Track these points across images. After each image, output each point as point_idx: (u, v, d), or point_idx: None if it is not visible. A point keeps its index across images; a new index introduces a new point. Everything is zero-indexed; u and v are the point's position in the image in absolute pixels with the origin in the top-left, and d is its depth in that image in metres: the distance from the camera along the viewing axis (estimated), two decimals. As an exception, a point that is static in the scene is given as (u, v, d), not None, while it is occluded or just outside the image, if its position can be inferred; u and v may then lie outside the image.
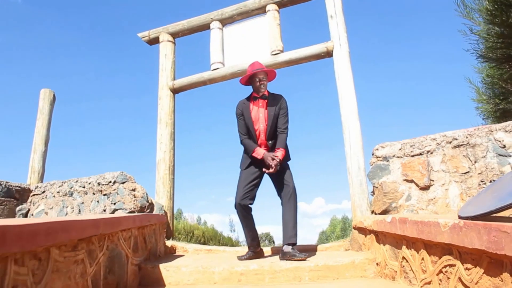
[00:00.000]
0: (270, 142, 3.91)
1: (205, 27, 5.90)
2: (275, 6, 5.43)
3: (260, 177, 3.87)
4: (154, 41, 6.23)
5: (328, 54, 4.99)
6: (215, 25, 5.78)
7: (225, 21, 5.78)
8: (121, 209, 5.11)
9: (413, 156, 3.76)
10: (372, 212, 3.93)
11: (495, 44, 6.62)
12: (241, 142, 3.97)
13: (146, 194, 5.21)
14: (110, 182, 5.27)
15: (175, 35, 6.11)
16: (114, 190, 5.23)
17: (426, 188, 3.62)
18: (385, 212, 3.70)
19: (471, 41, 6.75)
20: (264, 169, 3.75)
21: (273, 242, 34.55)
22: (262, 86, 3.92)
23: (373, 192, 3.92)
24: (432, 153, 3.70)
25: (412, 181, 3.68)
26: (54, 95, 6.54)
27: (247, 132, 3.94)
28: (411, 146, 3.80)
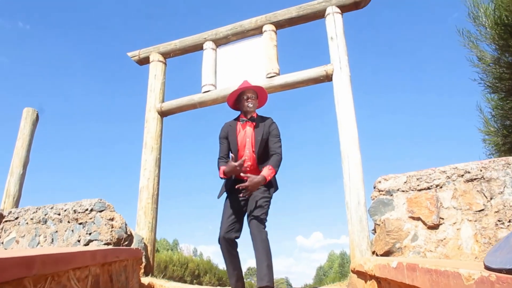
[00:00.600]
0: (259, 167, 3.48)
1: (198, 47, 5.57)
2: (272, 27, 5.11)
3: (246, 205, 3.43)
4: (145, 61, 5.89)
5: (328, 78, 4.63)
6: (208, 45, 5.45)
7: (219, 42, 5.45)
8: (97, 240, 4.65)
9: (420, 190, 3.33)
10: (373, 253, 3.47)
11: (503, 74, 6.28)
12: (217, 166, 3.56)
13: (125, 224, 4.76)
14: (86, 210, 4.82)
15: (166, 55, 5.78)
16: (91, 219, 4.78)
17: (434, 227, 3.18)
18: (388, 253, 3.25)
19: (479, 70, 6.42)
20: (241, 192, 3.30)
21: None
22: (250, 105, 3.53)
23: (374, 230, 3.48)
24: (441, 187, 3.28)
25: (419, 218, 3.24)
26: (37, 115, 6.17)
27: (226, 156, 3.55)
28: (417, 179, 3.38)
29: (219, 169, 3.47)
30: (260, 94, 3.68)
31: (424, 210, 3.24)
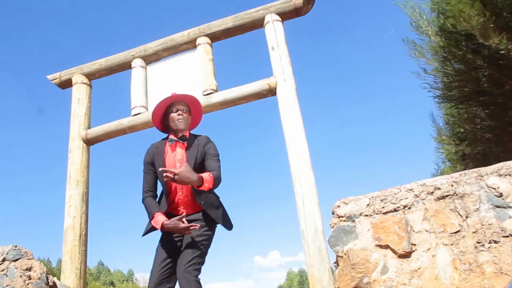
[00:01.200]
0: (196, 200, 2.85)
1: (126, 66, 4.97)
2: (206, 39, 4.61)
3: (181, 247, 2.80)
4: (67, 83, 5.21)
5: (271, 92, 4.16)
6: (137, 63, 4.86)
7: (149, 58, 4.88)
8: (10, 296, 3.89)
9: (385, 213, 2.88)
10: (338, 290, 2.96)
11: (452, 83, 6.09)
12: (143, 202, 2.93)
13: (46, 274, 4.01)
14: (-2, 260, 4.05)
15: (91, 76, 5.13)
16: (3, 270, 3.99)
17: (406, 255, 2.72)
18: (355, 290, 2.76)
19: (428, 81, 6.22)
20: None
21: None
22: (180, 120, 2.93)
23: (336, 262, 2.98)
24: (410, 208, 2.84)
25: (387, 246, 2.78)
26: None
27: (154, 188, 2.95)
28: (381, 200, 2.93)
29: (148, 212, 2.83)
30: (193, 107, 3.10)
31: (392, 236, 2.78)
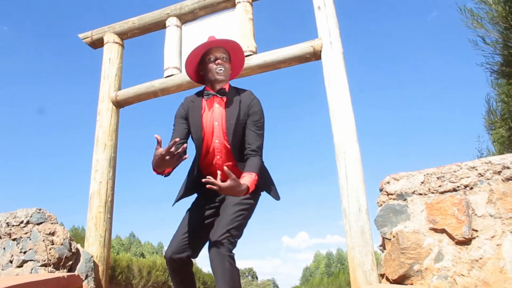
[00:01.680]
0: (239, 167, 2.46)
1: (160, 25, 4.67)
2: (247, -3, 4.24)
3: (214, 215, 2.45)
4: (98, 43, 4.97)
5: (316, 55, 3.78)
6: (172, 21, 4.55)
7: (185, 17, 4.56)
8: (32, 260, 3.73)
9: (443, 193, 2.51)
10: (382, 276, 2.63)
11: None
12: None
13: (69, 240, 3.85)
14: (22, 222, 3.89)
15: (123, 35, 4.87)
16: (26, 233, 3.84)
17: (466, 242, 2.36)
18: (403, 278, 2.43)
19: (485, 53, 5.67)
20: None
21: (256, 278, 32.89)
22: (220, 70, 2.50)
23: (383, 246, 2.64)
24: (472, 188, 2.46)
25: (443, 231, 2.42)
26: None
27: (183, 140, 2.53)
28: (438, 178, 2.55)
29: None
30: (234, 55, 2.65)
31: (450, 219, 2.42)
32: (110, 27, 4.90)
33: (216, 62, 2.51)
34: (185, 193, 2.56)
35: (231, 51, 2.62)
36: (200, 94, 2.61)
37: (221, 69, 2.50)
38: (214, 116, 2.49)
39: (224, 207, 2.38)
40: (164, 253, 2.44)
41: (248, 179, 2.23)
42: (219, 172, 2.12)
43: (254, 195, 2.39)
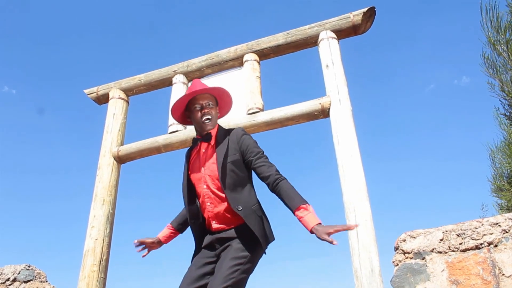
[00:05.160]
0: (232, 206, 2.26)
1: (167, 82, 4.68)
2: (254, 56, 4.27)
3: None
4: (103, 98, 4.95)
5: (324, 113, 3.74)
6: (178, 79, 4.56)
7: (192, 75, 4.57)
8: (17, 322, 3.46)
9: (464, 251, 2.35)
10: None
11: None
12: None
13: (59, 300, 3.60)
14: (8, 279, 3.65)
15: (129, 91, 4.86)
16: (12, 292, 3.60)
17: (494, 306, 2.17)
18: None
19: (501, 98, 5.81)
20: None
21: None
22: (207, 120, 2.42)
23: (401, 310, 2.43)
24: (496, 245, 2.30)
25: (468, 294, 2.23)
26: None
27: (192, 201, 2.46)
28: (458, 235, 2.40)
29: None
30: (220, 99, 2.58)
31: (475, 279, 2.24)
32: (116, 83, 4.90)
33: (203, 111, 2.44)
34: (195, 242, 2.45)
35: (217, 96, 2.56)
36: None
37: (207, 119, 2.43)
38: (201, 161, 2.42)
39: (220, 260, 2.23)
40: None
41: (311, 217, 2.06)
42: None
43: (250, 248, 2.23)
